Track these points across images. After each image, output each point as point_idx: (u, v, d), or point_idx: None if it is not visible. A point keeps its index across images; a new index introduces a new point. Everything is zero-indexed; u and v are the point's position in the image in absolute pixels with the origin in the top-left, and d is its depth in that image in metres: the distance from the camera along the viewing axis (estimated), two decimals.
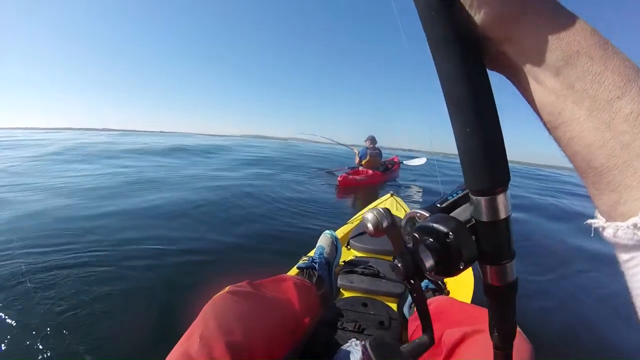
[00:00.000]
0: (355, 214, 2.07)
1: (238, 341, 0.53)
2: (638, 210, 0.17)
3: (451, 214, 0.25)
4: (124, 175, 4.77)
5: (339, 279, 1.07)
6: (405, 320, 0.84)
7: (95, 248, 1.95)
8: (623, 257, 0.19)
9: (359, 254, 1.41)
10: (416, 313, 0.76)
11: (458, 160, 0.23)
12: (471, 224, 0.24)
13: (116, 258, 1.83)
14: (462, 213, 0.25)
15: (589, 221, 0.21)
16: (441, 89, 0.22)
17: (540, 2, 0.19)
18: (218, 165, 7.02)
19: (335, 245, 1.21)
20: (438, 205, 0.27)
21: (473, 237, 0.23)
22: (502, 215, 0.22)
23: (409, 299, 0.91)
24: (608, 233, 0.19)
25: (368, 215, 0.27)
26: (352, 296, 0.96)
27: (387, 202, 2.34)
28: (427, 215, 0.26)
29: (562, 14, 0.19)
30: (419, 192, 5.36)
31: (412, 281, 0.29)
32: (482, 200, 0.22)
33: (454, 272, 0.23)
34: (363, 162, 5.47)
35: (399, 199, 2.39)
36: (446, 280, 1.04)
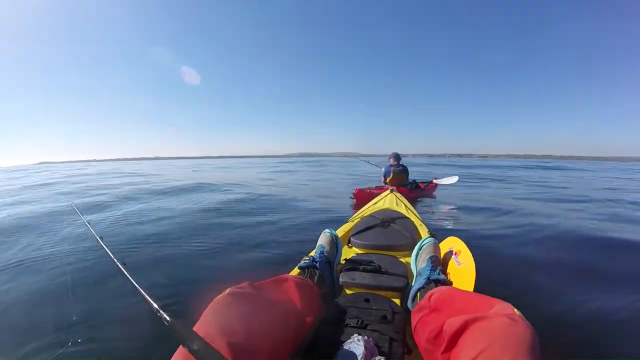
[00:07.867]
0: (355, 213, 2.07)
1: (241, 342, 0.52)
2: None
3: None
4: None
5: (340, 277, 1.07)
6: (408, 314, 0.84)
7: None
8: None
9: (360, 251, 1.41)
10: (419, 305, 0.77)
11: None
12: None
13: None
14: None
15: None
16: None
17: None
18: None
19: (335, 243, 1.20)
20: None
21: None
22: None
23: (412, 292, 0.91)
24: None
25: None
26: (354, 293, 0.96)
27: (387, 198, 2.35)
28: None
29: None
30: (448, 218, 3.67)
31: None
32: None
33: None
34: (388, 180, 5.41)
35: (398, 195, 2.39)
36: (449, 271, 1.04)
